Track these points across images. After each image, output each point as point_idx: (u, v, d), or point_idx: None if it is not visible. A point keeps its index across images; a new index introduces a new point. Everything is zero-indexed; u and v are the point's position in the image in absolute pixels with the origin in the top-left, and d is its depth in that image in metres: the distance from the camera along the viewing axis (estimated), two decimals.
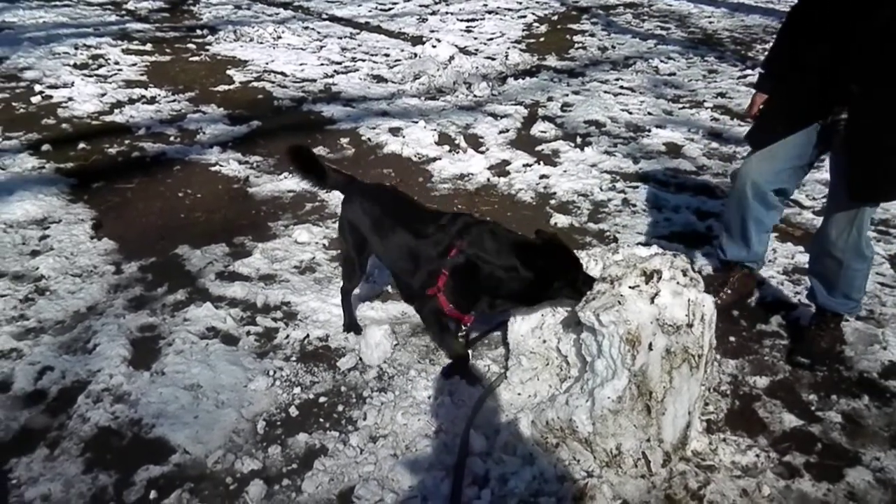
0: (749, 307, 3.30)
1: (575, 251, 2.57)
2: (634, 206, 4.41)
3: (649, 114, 6.05)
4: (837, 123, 2.59)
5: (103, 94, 6.04)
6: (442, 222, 2.63)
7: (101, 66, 6.88)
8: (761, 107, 2.91)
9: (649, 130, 5.63)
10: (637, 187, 4.65)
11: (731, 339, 3.09)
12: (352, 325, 3.10)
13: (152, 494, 2.26)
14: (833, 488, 2.30)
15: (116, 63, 6.97)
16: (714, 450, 2.44)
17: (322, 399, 2.70)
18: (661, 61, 7.60)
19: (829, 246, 2.73)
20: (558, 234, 2.72)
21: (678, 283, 2.28)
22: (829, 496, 2.27)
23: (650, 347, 2.21)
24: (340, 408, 2.67)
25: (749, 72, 7.26)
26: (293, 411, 2.63)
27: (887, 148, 2.47)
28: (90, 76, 6.52)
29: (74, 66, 6.80)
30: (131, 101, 5.96)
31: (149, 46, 7.60)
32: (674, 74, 7.23)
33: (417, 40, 8.24)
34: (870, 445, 2.49)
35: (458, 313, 2.65)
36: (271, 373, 2.82)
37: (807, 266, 3.08)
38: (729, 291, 3.11)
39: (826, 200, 2.76)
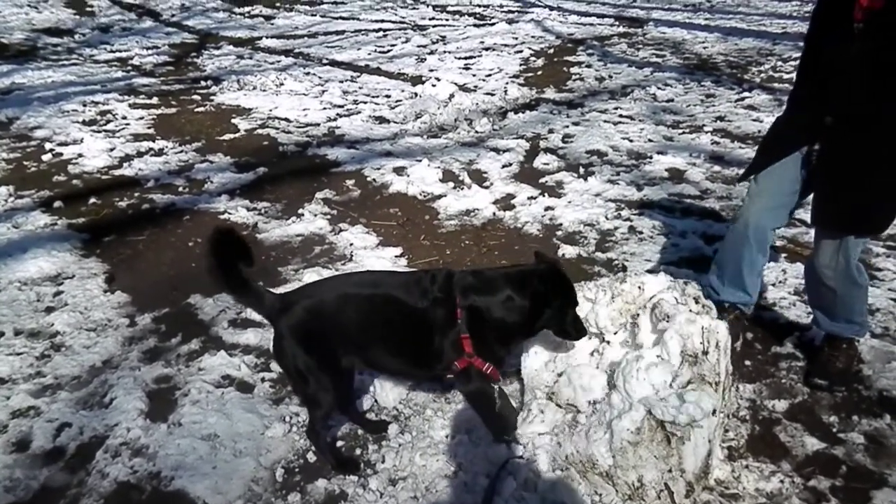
0: (758, 335, 3.27)
1: (575, 284, 2.52)
2: (641, 233, 4.43)
3: (650, 141, 6.11)
4: (812, 155, 2.64)
5: (112, 149, 6.15)
6: (423, 286, 2.39)
7: (109, 121, 7.01)
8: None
9: (651, 157, 5.68)
10: (642, 214, 4.68)
11: (747, 363, 3.08)
12: (347, 462, 2.58)
13: None
14: None
15: (124, 118, 7.11)
16: (737, 477, 2.42)
17: (339, 443, 2.69)
18: (659, 88, 7.70)
19: (820, 275, 2.73)
20: (559, 261, 2.59)
21: (691, 310, 2.28)
22: None
23: None
24: (358, 451, 2.66)
25: (746, 94, 7.34)
26: (311, 457, 2.62)
27: (851, 183, 2.52)
28: (99, 132, 6.64)
29: (83, 122, 6.94)
30: (140, 154, 6.07)
31: (155, 100, 7.75)
32: (672, 101, 7.31)
33: (417, 80, 8.38)
34: (895, 466, 2.46)
35: (496, 371, 2.46)
36: (287, 419, 2.82)
37: None
38: None
39: (815, 235, 2.76)
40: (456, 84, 7.89)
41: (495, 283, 2.42)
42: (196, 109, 7.46)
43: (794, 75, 8.36)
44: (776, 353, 3.15)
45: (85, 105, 7.49)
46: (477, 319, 2.38)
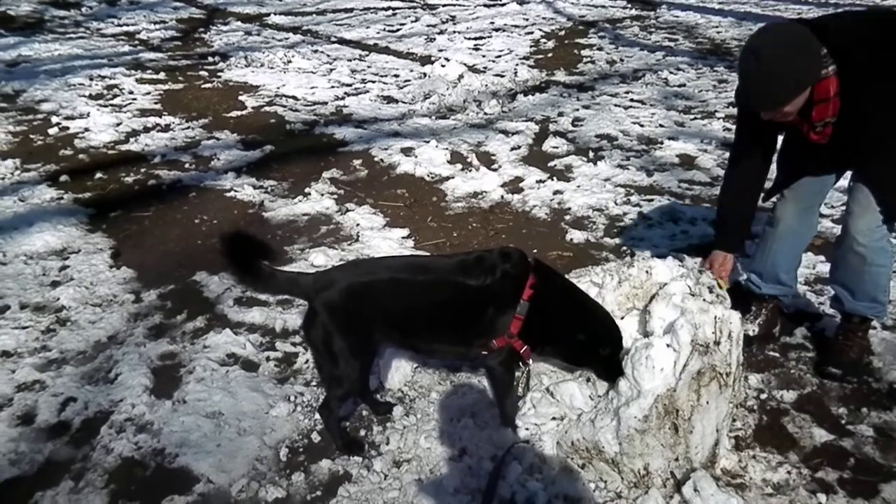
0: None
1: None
2: (650, 219, 4.39)
3: (661, 126, 6.04)
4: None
5: (119, 124, 6.12)
6: (487, 264, 2.37)
7: (115, 95, 6.98)
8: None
9: (662, 143, 5.61)
10: (652, 200, 4.63)
11: (756, 352, 3.05)
12: (353, 443, 2.57)
13: None
14: None
15: (131, 92, 7.07)
16: (744, 467, 2.40)
17: (344, 424, 2.68)
18: (671, 73, 7.59)
19: (853, 242, 2.66)
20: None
21: (704, 299, 2.25)
22: None
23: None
24: (363, 432, 2.66)
25: None
26: (315, 437, 2.62)
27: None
28: (105, 106, 6.61)
29: (90, 96, 6.91)
30: (146, 130, 6.04)
31: (162, 75, 7.70)
32: (684, 86, 7.21)
33: (426, 60, 8.30)
34: None
35: (529, 352, 2.46)
36: (292, 398, 2.81)
37: (828, 275, 3.04)
38: (760, 323, 3.09)
39: (849, 201, 2.71)
40: (465, 65, 7.80)
41: (576, 300, 2.46)
42: (203, 85, 7.41)
43: None
44: (786, 343, 3.12)
45: (91, 79, 7.45)
46: (541, 309, 2.37)
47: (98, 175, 5.08)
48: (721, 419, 2.31)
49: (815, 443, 2.52)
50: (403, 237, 4.21)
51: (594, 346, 2.42)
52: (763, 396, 2.77)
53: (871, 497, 2.28)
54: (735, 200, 2.86)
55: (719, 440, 2.35)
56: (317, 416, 2.66)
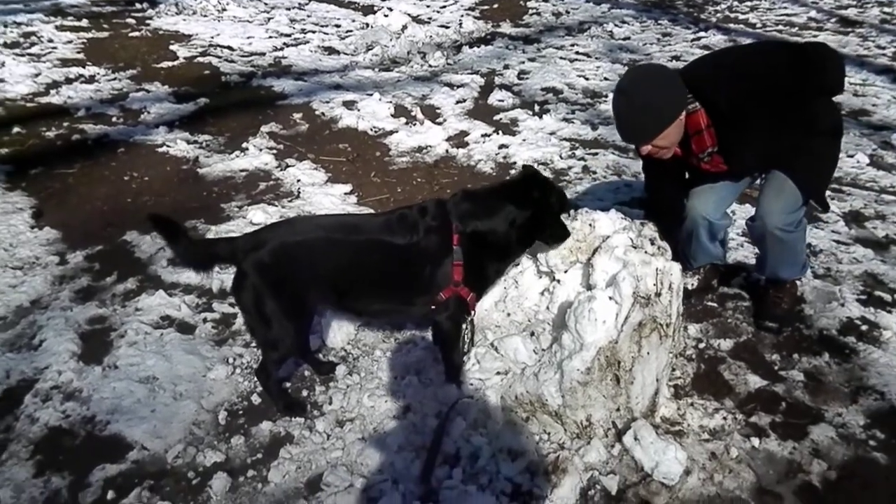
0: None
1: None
2: (595, 172, 4.39)
3: (606, 79, 6.02)
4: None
5: (37, 75, 5.72)
6: (411, 221, 2.34)
7: (33, 44, 6.51)
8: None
9: (606, 96, 5.60)
10: (597, 154, 4.63)
11: (695, 302, 3.10)
12: (294, 404, 2.50)
13: (110, 494, 2.17)
14: (798, 446, 2.33)
15: (50, 41, 6.62)
16: (682, 415, 2.45)
17: (286, 384, 2.61)
18: (616, 25, 7.56)
19: (771, 228, 2.67)
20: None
21: (646, 252, 2.25)
22: (795, 454, 2.30)
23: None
24: (305, 392, 2.60)
25: (702, 34, 7.28)
26: (255, 399, 2.55)
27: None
28: (22, 55, 6.16)
29: (4, 45, 6.42)
30: (68, 81, 5.67)
31: (84, 22, 7.23)
32: (628, 39, 7.20)
33: (369, 10, 8.03)
34: (831, 402, 2.53)
35: (475, 301, 2.45)
36: (231, 360, 2.72)
37: None
38: (699, 277, 3.15)
39: (764, 187, 2.74)
40: (409, 15, 7.59)
41: (495, 202, 2.42)
42: (130, 34, 7.00)
43: (749, 16, 8.24)
44: (723, 293, 3.18)
45: (6, 26, 6.93)
46: (476, 244, 2.36)
47: (16, 130, 4.75)
48: (661, 369, 2.35)
49: (749, 389, 2.59)
50: (346, 193, 4.10)
51: (540, 218, 2.45)
52: (701, 345, 2.83)
53: (801, 439, 2.36)
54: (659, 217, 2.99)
55: (659, 389, 2.39)
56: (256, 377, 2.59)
